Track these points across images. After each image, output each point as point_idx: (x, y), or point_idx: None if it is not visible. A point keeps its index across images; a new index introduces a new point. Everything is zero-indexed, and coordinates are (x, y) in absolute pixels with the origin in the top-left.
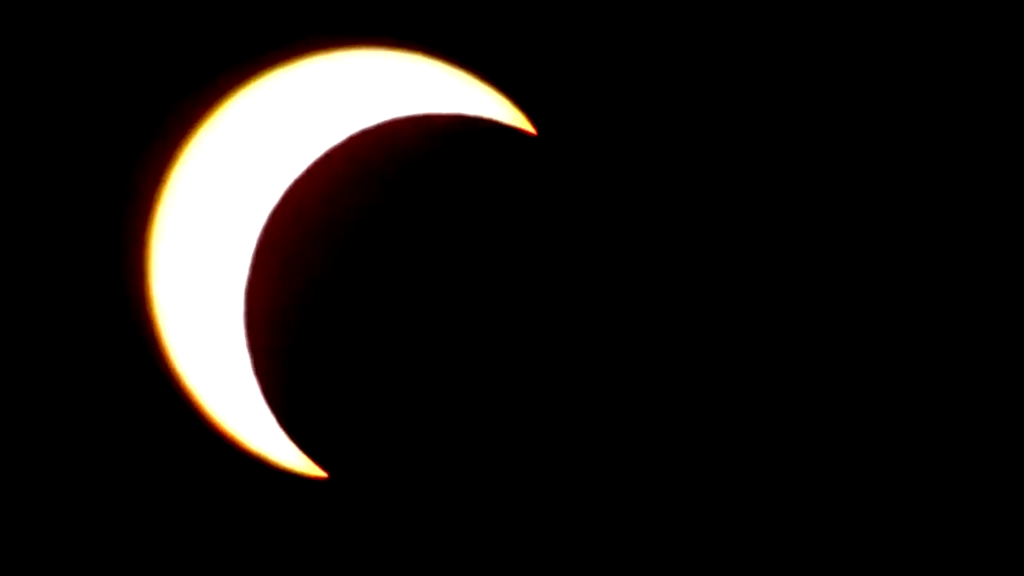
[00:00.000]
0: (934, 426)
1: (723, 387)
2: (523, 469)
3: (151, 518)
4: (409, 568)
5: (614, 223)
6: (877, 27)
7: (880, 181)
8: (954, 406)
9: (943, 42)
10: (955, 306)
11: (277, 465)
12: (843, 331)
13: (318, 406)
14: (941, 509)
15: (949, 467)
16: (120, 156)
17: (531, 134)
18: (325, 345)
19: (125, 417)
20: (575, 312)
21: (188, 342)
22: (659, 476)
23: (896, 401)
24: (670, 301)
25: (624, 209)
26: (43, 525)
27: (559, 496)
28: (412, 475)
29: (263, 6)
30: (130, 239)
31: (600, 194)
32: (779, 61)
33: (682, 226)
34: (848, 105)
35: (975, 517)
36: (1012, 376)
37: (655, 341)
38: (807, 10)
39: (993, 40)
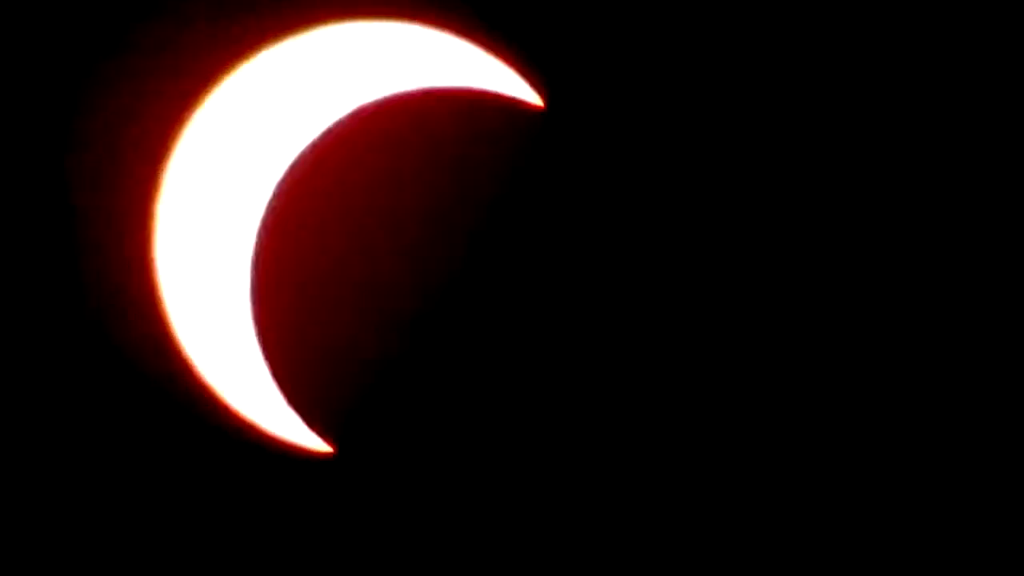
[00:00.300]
0: (934, 426)
1: (723, 373)
2: (524, 445)
3: (160, 497)
4: (413, 547)
5: (620, 200)
6: (890, 26)
7: (882, 181)
8: (954, 406)
9: (943, 42)
10: (955, 306)
11: (284, 441)
12: (842, 328)
13: (325, 382)
14: (941, 509)
15: (949, 467)
16: (118, 125)
17: (539, 108)
18: (332, 323)
19: (130, 395)
20: (580, 293)
21: (194, 320)
22: (655, 469)
23: (896, 401)
24: (674, 286)
25: (630, 186)
26: (55, 503)
27: (560, 475)
28: (417, 452)
29: None
30: (134, 211)
31: (606, 171)
32: (786, 45)
33: (688, 206)
34: (870, 98)
35: (975, 517)
36: (1012, 376)
37: (659, 327)
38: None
39: (993, 40)
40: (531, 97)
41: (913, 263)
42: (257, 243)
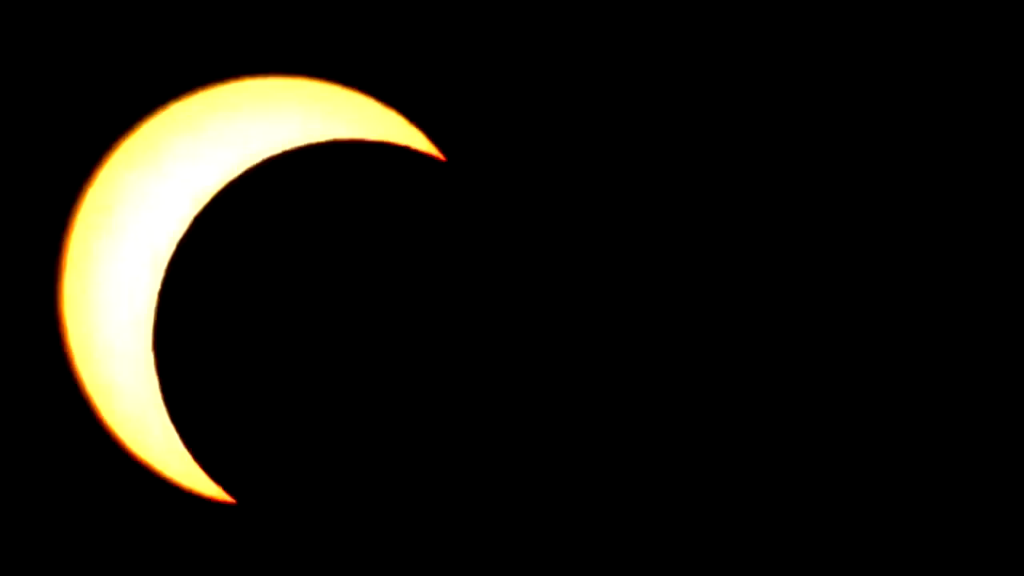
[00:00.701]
0: (934, 426)
1: (718, 375)
2: (435, 503)
3: (58, 541)
4: None
5: (522, 248)
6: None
7: (852, 180)
8: (954, 406)
9: (943, 42)
10: (955, 306)
11: (186, 488)
12: (829, 330)
13: (226, 432)
14: (941, 509)
15: (949, 467)
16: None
17: (440, 159)
18: (235, 371)
19: (36, 435)
20: (475, 339)
21: (98, 365)
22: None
23: (896, 401)
24: (580, 333)
25: (533, 234)
26: None
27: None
28: (319, 500)
29: (170, 44)
30: (41, 255)
31: (507, 219)
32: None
33: (593, 249)
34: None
35: (975, 517)
36: (1012, 376)
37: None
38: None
39: (993, 40)
40: (430, 148)
41: (913, 263)
42: (162, 292)
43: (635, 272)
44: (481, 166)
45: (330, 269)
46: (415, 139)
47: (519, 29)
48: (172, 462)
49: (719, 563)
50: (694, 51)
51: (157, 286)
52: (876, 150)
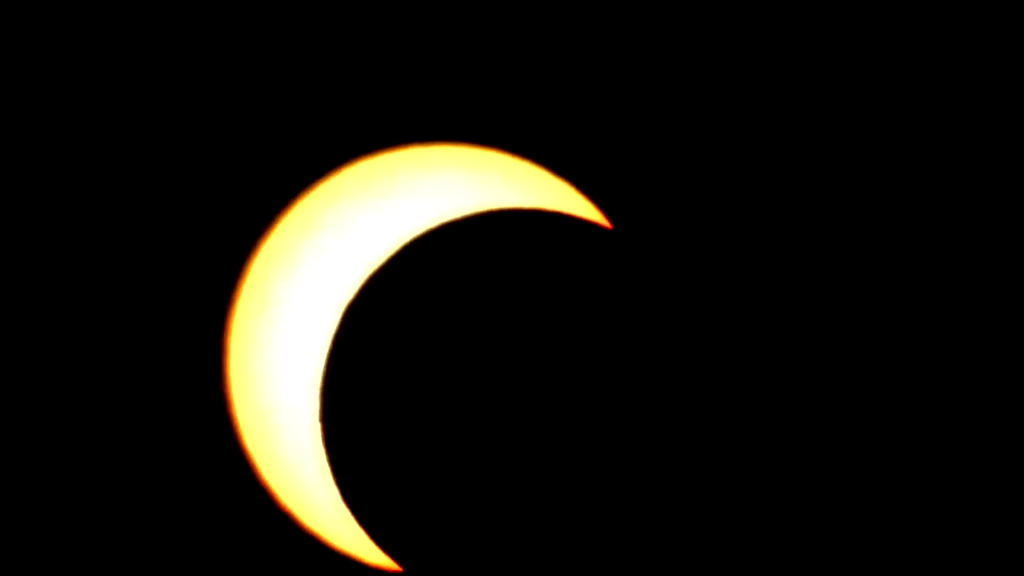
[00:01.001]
0: (934, 426)
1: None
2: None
3: None
4: None
5: (689, 315)
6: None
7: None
8: (954, 406)
9: (943, 42)
10: (955, 306)
11: (355, 558)
12: (830, 330)
13: (393, 500)
14: (941, 509)
15: (949, 467)
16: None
17: (607, 227)
18: (402, 441)
19: (205, 506)
20: (649, 406)
21: (265, 436)
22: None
23: (896, 401)
24: (747, 406)
25: (697, 301)
26: None
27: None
28: (483, 569)
29: (338, 113)
30: (208, 331)
31: (675, 288)
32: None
33: (755, 321)
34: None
35: (975, 517)
36: (1012, 376)
37: (725, 444)
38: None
39: (993, 40)
40: (598, 218)
41: (914, 264)
42: (329, 360)
43: (797, 340)
44: (647, 234)
45: (499, 337)
46: (583, 207)
47: (683, 96)
48: (340, 531)
49: (719, 563)
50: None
51: (325, 354)
52: (879, 151)
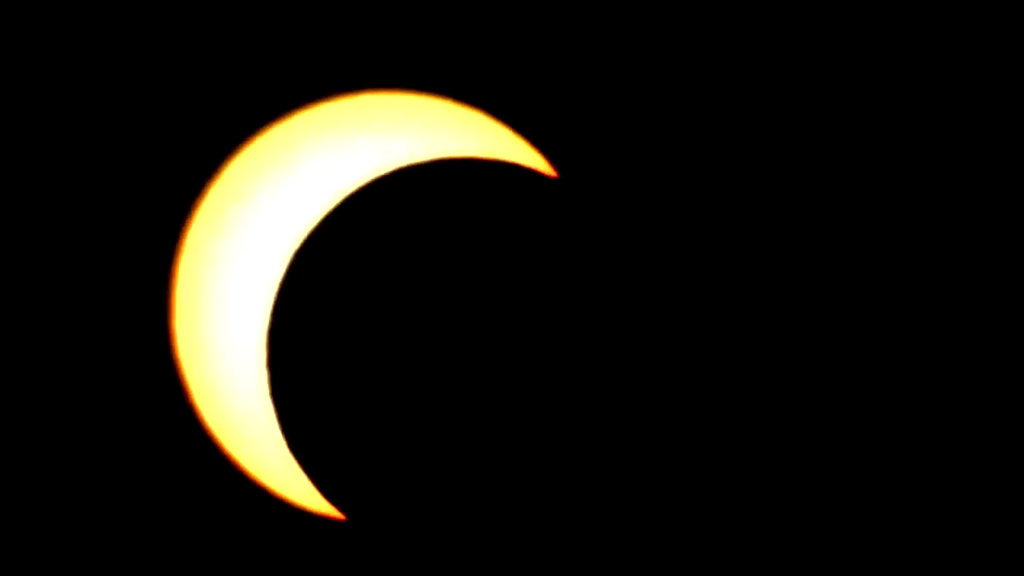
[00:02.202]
0: (934, 426)
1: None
2: (545, 523)
3: (166, 555)
4: None
5: (635, 264)
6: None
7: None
8: (954, 406)
9: (943, 42)
10: (955, 307)
11: (296, 505)
12: (830, 330)
13: (338, 448)
14: (941, 509)
15: (949, 467)
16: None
17: (551, 176)
18: (347, 387)
19: (147, 451)
20: (595, 356)
21: (210, 379)
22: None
23: (897, 402)
24: (692, 350)
25: (645, 250)
26: (53, 553)
27: (582, 542)
28: (429, 519)
29: (284, 59)
30: (153, 275)
31: (621, 237)
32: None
33: (703, 270)
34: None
35: (975, 517)
36: (1012, 376)
37: (671, 390)
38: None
39: (993, 40)
40: (543, 166)
41: (914, 263)
42: (275, 306)
43: (746, 285)
44: (594, 183)
45: (442, 286)
46: (529, 156)
47: (631, 43)
48: (284, 479)
49: (720, 563)
50: (809, 58)
51: (271, 300)
52: (881, 151)
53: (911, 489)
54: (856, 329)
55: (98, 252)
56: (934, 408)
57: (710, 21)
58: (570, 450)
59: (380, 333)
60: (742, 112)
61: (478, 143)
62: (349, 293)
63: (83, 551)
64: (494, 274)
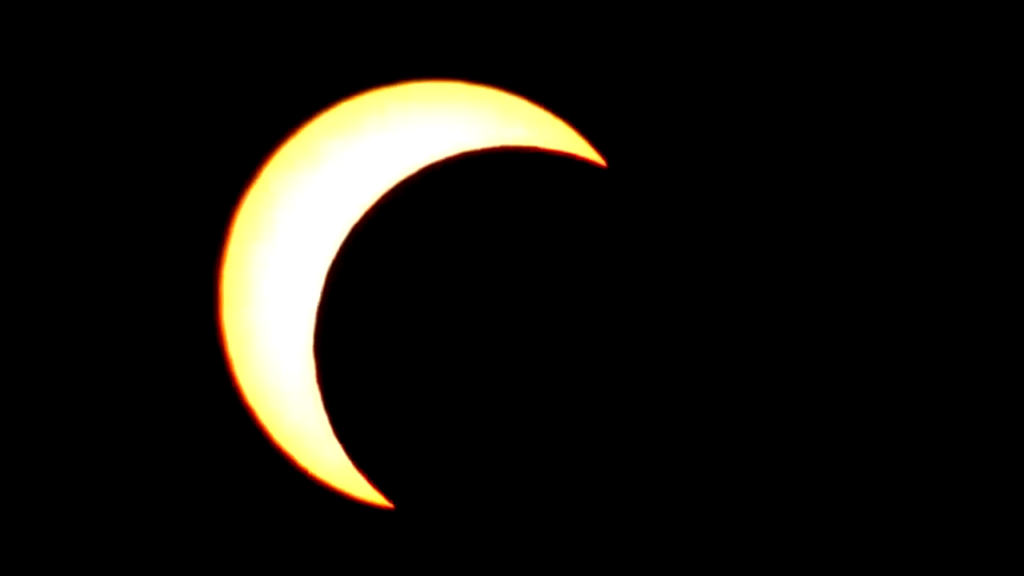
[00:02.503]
0: (934, 426)
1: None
2: (588, 517)
3: (213, 541)
4: None
5: (684, 255)
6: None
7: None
8: (954, 406)
9: (943, 42)
10: (956, 307)
11: (344, 494)
12: (830, 330)
13: (387, 437)
14: (941, 509)
15: (949, 467)
16: (203, 192)
17: (601, 166)
18: (395, 376)
19: (194, 440)
20: (645, 346)
21: (259, 367)
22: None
23: (897, 401)
24: (737, 339)
25: (693, 242)
26: (99, 537)
27: (625, 540)
28: (477, 508)
29: (327, 50)
30: (206, 265)
31: (671, 227)
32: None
33: (750, 261)
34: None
35: (975, 517)
36: (1012, 376)
37: (730, 376)
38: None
39: (993, 40)
40: (593, 156)
41: (914, 264)
42: (322, 299)
43: (786, 276)
44: (643, 173)
45: (492, 277)
46: (579, 145)
47: (685, 35)
48: (331, 467)
49: (720, 563)
50: (843, 57)
51: (319, 292)
52: (881, 151)
53: (911, 489)
54: (881, 329)
55: (147, 244)
56: (934, 407)
57: (757, 15)
58: (620, 441)
59: (428, 321)
60: (788, 106)
61: (527, 132)
62: (397, 282)
63: (129, 536)
64: (542, 264)
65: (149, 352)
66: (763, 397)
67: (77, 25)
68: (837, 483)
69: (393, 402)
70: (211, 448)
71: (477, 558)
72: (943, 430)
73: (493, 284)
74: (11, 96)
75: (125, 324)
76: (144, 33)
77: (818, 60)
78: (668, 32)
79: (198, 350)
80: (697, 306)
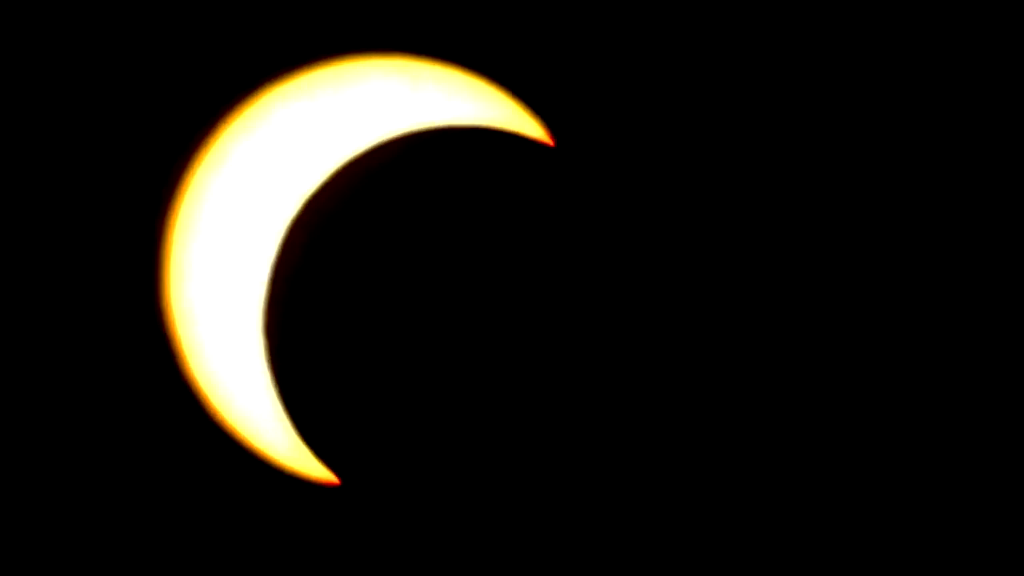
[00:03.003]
0: (934, 426)
1: (735, 397)
2: (538, 485)
3: (161, 521)
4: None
5: (632, 235)
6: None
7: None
8: (954, 406)
9: (943, 42)
10: (955, 306)
11: (291, 470)
12: (830, 330)
13: (334, 412)
14: (941, 509)
15: (949, 467)
16: (140, 168)
17: (549, 144)
18: (343, 352)
19: (141, 419)
20: (589, 325)
21: (206, 347)
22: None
23: (896, 401)
24: (688, 317)
25: (641, 221)
26: (50, 524)
27: (573, 507)
28: (424, 484)
29: (276, 22)
30: (148, 245)
31: (618, 207)
32: (802, 68)
33: (699, 241)
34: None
35: (975, 517)
36: (1012, 376)
37: (672, 354)
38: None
39: (993, 40)
40: (541, 135)
41: (913, 264)
42: (271, 277)
43: (741, 257)
44: (592, 153)
45: (436, 254)
46: (526, 122)
47: (634, 10)
48: (280, 446)
49: (719, 563)
50: (802, 45)
51: (267, 269)
52: (880, 151)
53: (910, 488)
54: (847, 308)
55: (89, 225)
56: (933, 407)
57: None
58: (565, 415)
59: (375, 298)
60: (741, 84)
61: (473, 110)
62: (344, 260)
63: (73, 516)
64: (486, 240)
65: (93, 332)
66: (704, 374)
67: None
68: (822, 475)
69: (342, 379)
70: (159, 430)
71: (425, 536)
72: (935, 425)
73: (438, 262)
74: None
75: (68, 306)
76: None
77: (772, 32)
78: (620, 7)
79: (143, 331)
80: (645, 287)
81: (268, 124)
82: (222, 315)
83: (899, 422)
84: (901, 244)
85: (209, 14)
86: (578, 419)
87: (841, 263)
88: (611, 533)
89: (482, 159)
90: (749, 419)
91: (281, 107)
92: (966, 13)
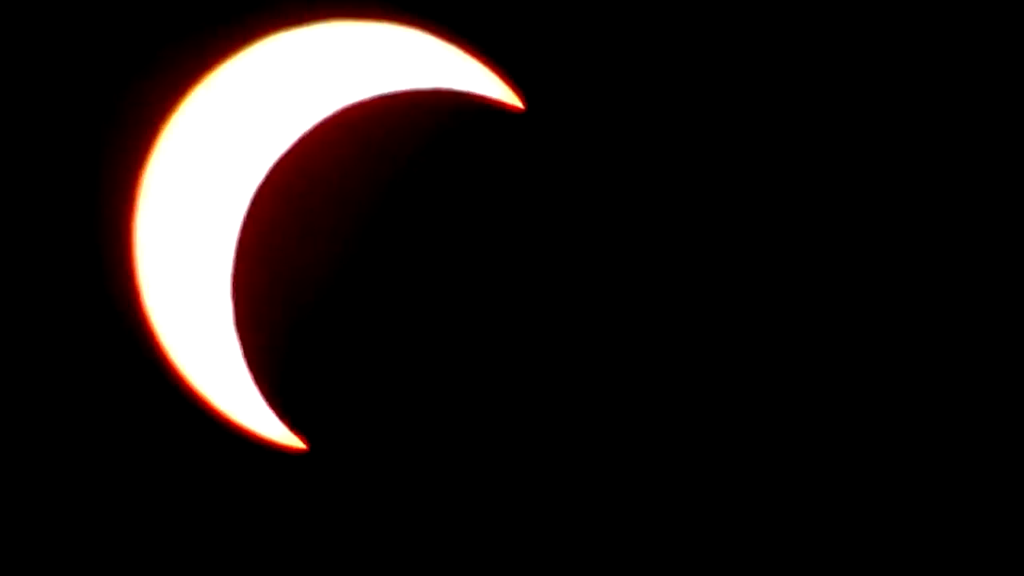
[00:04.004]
0: (934, 426)
1: (711, 376)
2: (505, 446)
3: (133, 490)
4: (388, 543)
5: (602, 201)
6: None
7: (873, 180)
8: (954, 406)
9: (943, 42)
10: (955, 306)
11: (258, 436)
12: (842, 328)
13: (302, 378)
14: (941, 509)
15: (949, 467)
16: (101, 128)
17: (519, 109)
18: (310, 318)
19: (106, 387)
20: (560, 293)
21: (173, 316)
22: (649, 471)
23: (896, 401)
24: (659, 284)
25: (613, 188)
26: (25, 497)
27: (539, 470)
28: (393, 450)
29: None
30: (114, 215)
31: (588, 172)
32: (774, 47)
33: (671, 205)
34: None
35: (975, 517)
36: (1012, 376)
37: (643, 325)
38: None
39: (993, 40)
40: (512, 99)
41: (913, 263)
42: (238, 242)
43: (716, 226)
44: (563, 118)
45: (404, 218)
46: (496, 85)
47: None
48: (247, 411)
49: (719, 563)
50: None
51: (234, 236)
52: (878, 150)
53: (910, 488)
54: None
55: (60, 181)
56: (933, 406)
57: None
58: (534, 385)
59: (344, 264)
60: (716, 52)
61: (442, 73)
62: (312, 226)
63: (48, 486)
64: (455, 205)
65: (55, 302)
66: (666, 345)
67: None
68: (822, 475)
69: (308, 345)
70: (126, 398)
71: (393, 501)
72: (935, 425)
73: (405, 227)
74: None
75: (34, 269)
76: None
77: (747, 4)
78: None
79: (109, 299)
80: (614, 256)
81: (233, 90)
82: (188, 282)
83: (899, 422)
84: (888, 234)
85: None
86: (544, 382)
87: (821, 237)
88: (588, 506)
89: (451, 123)
90: (735, 405)
91: (246, 72)
92: (966, 13)
